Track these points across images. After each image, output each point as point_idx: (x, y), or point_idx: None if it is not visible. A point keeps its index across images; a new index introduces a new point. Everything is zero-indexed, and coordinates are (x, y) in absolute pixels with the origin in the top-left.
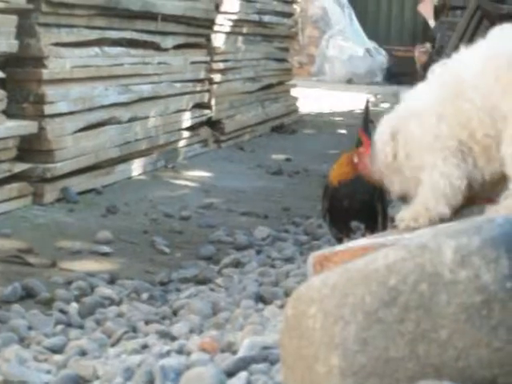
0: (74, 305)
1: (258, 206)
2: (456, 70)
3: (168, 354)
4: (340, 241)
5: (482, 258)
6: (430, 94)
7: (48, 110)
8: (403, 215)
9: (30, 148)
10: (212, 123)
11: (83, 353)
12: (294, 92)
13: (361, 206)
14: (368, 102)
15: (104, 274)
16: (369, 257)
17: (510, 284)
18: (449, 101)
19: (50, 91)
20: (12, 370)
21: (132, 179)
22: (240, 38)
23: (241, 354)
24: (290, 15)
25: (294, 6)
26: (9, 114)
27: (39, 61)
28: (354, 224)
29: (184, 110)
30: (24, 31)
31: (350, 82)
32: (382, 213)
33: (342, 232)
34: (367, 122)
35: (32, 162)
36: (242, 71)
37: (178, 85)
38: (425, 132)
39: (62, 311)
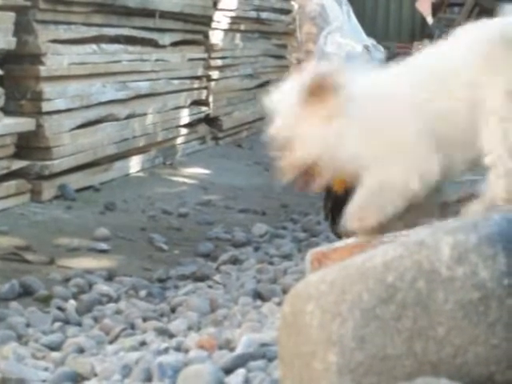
0: (72, 302)
1: (255, 202)
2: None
3: (166, 351)
4: (339, 237)
5: (479, 254)
6: None
7: (46, 107)
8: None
9: (28, 145)
10: (210, 120)
11: (81, 350)
12: None
13: None
14: None
15: (102, 271)
16: (366, 254)
17: (507, 281)
18: None
19: (47, 88)
20: (10, 367)
21: (130, 176)
22: (238, 35)
23: (239, 351)
24: (287, 12)
25: (292, 3)
26: (6, 111)
27: (37, 58)
28: None
29: (182, 107)
30: (22, 28)
31: None
32: None
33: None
34: None
35: (30, 159)
36: (240, 68)
37: (175, 82)
38: None
39: (59, 308)
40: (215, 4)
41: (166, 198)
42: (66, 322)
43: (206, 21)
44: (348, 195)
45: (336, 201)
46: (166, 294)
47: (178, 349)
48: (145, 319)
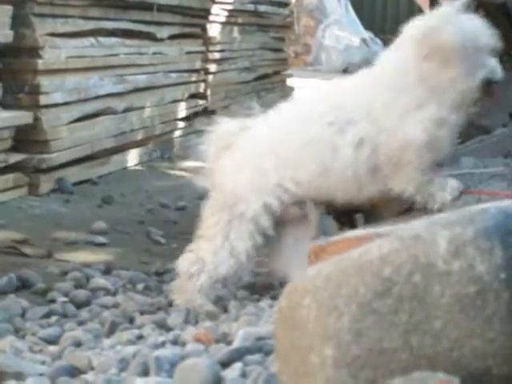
0: (70, 295)
1: None
2: None
3: (163, 344)
4: (342, 224)
5: (476, 248)
6: None
7: (43, 100)
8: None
9: (26, 138)
10: (208, 113)
11: (78, 344)
12: (289, 82)
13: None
14: None
15: (99, 264)
16: (363, 248)
17: (503, 274)
18: None
19: (45, 82)
20: (7, 360)
21: (127, 170)
22: (236, 28)
23: (235, 344)
24: (285, 5)
25: None
26: (4, 104)
27: (34, 51)
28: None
29: (180, 100)
30: (19, 21)
31: (346, 71)
32: None
33: (346, 224)
34: None
35: (27, 152)
36: (238, 61)
37: (173, 75)
38: None
39: (57, 302)
40: None
41: (163, 192)
42: (64, 315)
43: (204, 14)
44: None
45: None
46: (164, 288)
47: (175, 342)
48: (142, 313)
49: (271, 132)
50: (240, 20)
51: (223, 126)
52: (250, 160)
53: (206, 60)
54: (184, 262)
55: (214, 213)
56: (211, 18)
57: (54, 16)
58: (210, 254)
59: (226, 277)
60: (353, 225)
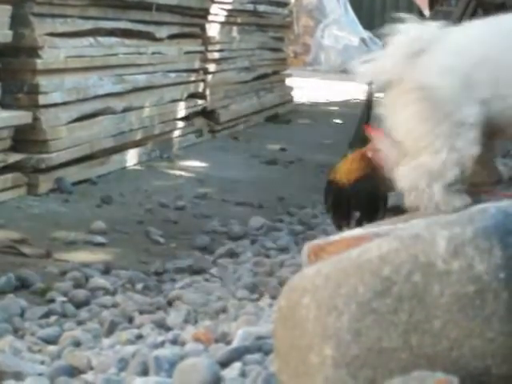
0: (69, 295)
1: (252, 195)
2: None
3: (162, 344)
4: (340, 228)
5: (475, 248)
6: None
7: (42, 100)
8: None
9: (25, 138)
10: (207, 113)
11: (77, 343)
12: (288, 82)
13: (366, 203)
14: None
15: (99, 264)
16: (362, 247)
17: (502, 274)
18: None
19: (44, 81)
20: (6, 360)
21: (127, 169)
22: (235, 28)
23: (235, 344)
24: (284, 5)
25: None
26: (3, 104)
27: (33, 51)
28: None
29: (179, 100)
30: (18, 21)
31: (345, 71)
32: (383, 208)
33: (343, 222)
34: (369, 109)
35: (26, 152)
36: (237, 61)
37: (172, 75)
38: None
39: (56, 302)
40: None
41: (162, 191)
42: (63, 315)
43: (203, 14)
44: (352, 188)
45: (338, 193)
46: (163, 287)
47: (174, 342)
48: (141, 312)
49: (479, 37)
50: (239, 20)
51: (414, 31)
52: (460, 65)
53: (205, 60)
54: (409, 181)
55: (428, 130)
56: (210, 17)
57: (53, 16)
58: (437, 165)
59: (453, 183)
60: (350, 221)
